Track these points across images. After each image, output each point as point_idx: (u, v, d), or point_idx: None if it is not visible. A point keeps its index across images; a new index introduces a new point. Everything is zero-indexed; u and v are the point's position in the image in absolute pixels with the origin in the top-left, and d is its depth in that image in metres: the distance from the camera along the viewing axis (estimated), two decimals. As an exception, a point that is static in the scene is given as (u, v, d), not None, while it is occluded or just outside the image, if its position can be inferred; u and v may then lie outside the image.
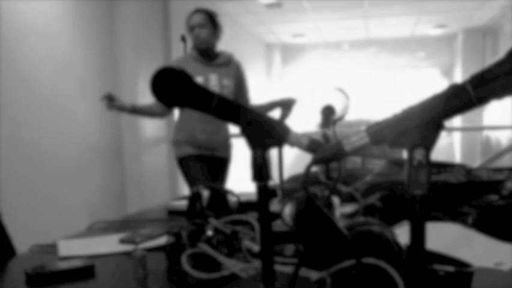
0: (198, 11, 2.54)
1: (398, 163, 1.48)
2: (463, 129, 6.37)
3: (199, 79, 2.47)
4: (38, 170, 2.77)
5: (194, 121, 2.51)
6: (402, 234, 0.77)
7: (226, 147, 2.66)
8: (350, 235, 0.72)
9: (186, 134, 2.56)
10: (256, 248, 0.95)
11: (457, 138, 6.98)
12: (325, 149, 0.62)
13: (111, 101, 2.38)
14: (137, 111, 2.55)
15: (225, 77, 2.55)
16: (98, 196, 3.36)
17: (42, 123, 2.83)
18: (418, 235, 0.57)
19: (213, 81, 2.51)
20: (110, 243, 1.15)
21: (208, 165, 2.58)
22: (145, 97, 3.57)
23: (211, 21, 2.53)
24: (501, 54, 0.53)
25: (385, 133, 0.58)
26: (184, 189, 4.00)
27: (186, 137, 2.55)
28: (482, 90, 0.53)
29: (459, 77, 6.92)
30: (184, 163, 2.59)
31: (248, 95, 2.72)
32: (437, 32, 7.05)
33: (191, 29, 2.52)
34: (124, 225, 1.37)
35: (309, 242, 0.85)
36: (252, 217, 1.10)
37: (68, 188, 3.03)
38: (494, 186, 1.19)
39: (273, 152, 0.78)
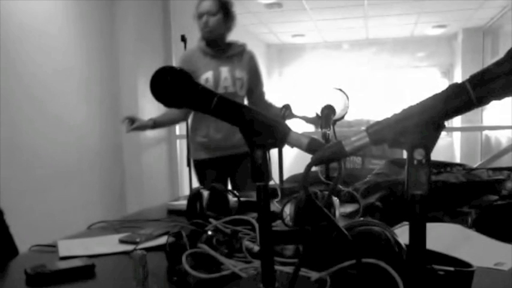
0: None
1: (398, 163, 1.48)
2: (463, 129, 6.37)
3: (208, 74, 2.31)
4: (37, 169, 2.78)
5: (208, 119, 2.32)
6: (402, 234, 0.77)
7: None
8: (350, 235, 0.72)
9: (201, 134, 2.40)
10: (256, 248, 0.95)
11: (457, 138, 6.98)
12: (325, 149, 0.62)
13: (131, 123, 2.24)
14: (158, 124, 2.38)
15: (237, 69, 2.36)
16: (97, 196, 3.36)
17: (42, 123, 2.83)
18: (418, 235, 0.57)
19: (224, 74, 2.33)
20: (110, 243, 1.15)
21: (227, 167, 2.43)
22: (145, 97, 3.59)
23: (223, 8, 2.31)
24: (501, 54, 0.53)
25: (384, 133, 0.58)
26: (185, 189, 4.01)
27: (201, 137, 2.40)
28: (482, 90, 0.53)
29: (459, 77, 6.92)
30: (198, 168, 2.47)
31: (262, 88, 2.53)
32: (437, 32, 7.05)
33: (199, 16, 2.31)
34: (124, 225, 1.37)
35: (309, 242, 0.85)
36: (252, 217, 1.10)
37: (68, 188, 3.03)
38: (494, 186, 1.19)
39: (273, 152, 0.78)
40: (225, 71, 2.34)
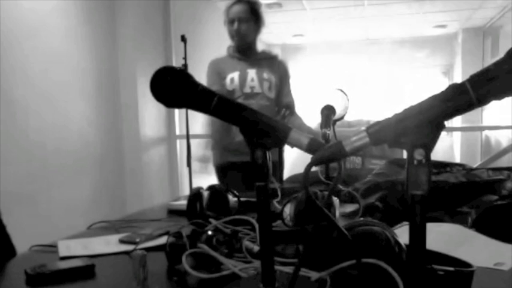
0: (239, 0, 2.27)
1: (398, 163, 1.48)
2: (463, 129, 6.37)
3: (234, 74, 2.29)
4: (37, 169, 2.77)
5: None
6: (402, 234, 0.77)
7: None
8: (350, 235, 0.72)
9: (222, 135, 2.32)
10: (256, 248, 0.95)
11: (457, 138, 6.98)
12: (325, 149, 0.62)
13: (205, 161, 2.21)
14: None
15: (265, 71, 2.31)
16: (97, 196, 3.36)
17: (41, 123, 2.83)
18: (418, 235, 0.57)
19: (251, 75, 2.29)
20: (110, 243, 1.15)
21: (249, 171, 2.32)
22: (145, 97, 3.59)
23: (254, 14, 2.27)
24: (501, 54, 0.53)
25: (385, 133, 0.58)
26: (185, 189, 4.01)
27: (222, 139, 2.33)
28: (482, 90, 0.53)
29: (459, 77, 6.92)
30: (221, 173, 2.39)
31: (290, 98, 2.41)
32: (437, 32, 7.04)
33: (230, 21, 2.27)
34: (124, 225, 1.37)
35: (309, 242, 0.85)
36: (252, 217, 1.10)
37: (68, 187, 3.03)
38: (494, 186, 1.19)
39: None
40: (252, 72, 2.30)
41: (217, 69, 2.33)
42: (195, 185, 2.93)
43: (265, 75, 2.31)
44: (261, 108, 2.30)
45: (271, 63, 2.37)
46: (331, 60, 7.69)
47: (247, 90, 2.29)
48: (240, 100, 2.28)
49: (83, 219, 1.50)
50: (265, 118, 0.71)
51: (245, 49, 2.33)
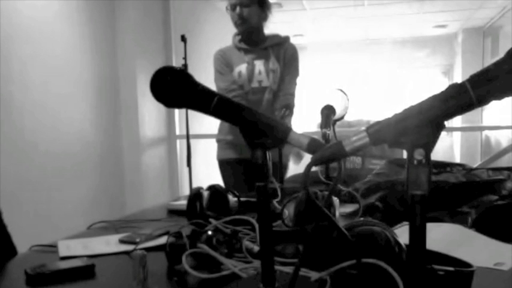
0: None
1: (398, 163, 1.48)
2: (463, 129, 6.36)
3: (242, 67, 2.22)
4: (37, 170, 2.77)
5: None
6: (402, 234, 0.77)
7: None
8: (350, 235, 0.72)
9: (227, 131, 2.31)
10: (256, 248, 0.95)
11: (457, 138, 6.98)
12: (325, 149, 0.62)
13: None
14: None
15: (271, 60, 2.24)
16: (98, 196, 3.36)
17: (41, 123, 2.83)
18: (418, 235, 0.57)
19: (258, 67, 2.23)
20: (110, 243, 1.15)
21: (250, 170, 2.28)
22: (145, 97, 3.59)
23: None
24: (501, 54, 0.53)
25: (385, 133, 0.58)
26: (185, 190, 4.01)
27: (227, 135, 2.31)
28: (482, 90, 0.53)
29: (459, 77, 6.92)
30: (222, 167, 2.39)
31: (290, 86, 2.28)
32: (437, 32, 7.05)
33: (232, 7, 2.15)
34: (124, 225, 1.37)
35: (309, 242, 0.85)
36: (252, 217, 1.10)
37: (67, 188, 3.03)
38: (494, 186, 1.19)
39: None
40: (259, 64, 2.23)
41: (225, 60, 2.28)
42: (195, 184, 2.94)
43: (271, 64, 2.24)
44: (268, 103, 2.27)
45: (279, 50, 2.29)
46: (331, 60, 7.70)
47: (255, 84, 2.25)
48: (248, 96, 2.25)
49: (83, 219, 1.50)
50: (265, 118, 0.71)
51: (251, 35, 2.24)
